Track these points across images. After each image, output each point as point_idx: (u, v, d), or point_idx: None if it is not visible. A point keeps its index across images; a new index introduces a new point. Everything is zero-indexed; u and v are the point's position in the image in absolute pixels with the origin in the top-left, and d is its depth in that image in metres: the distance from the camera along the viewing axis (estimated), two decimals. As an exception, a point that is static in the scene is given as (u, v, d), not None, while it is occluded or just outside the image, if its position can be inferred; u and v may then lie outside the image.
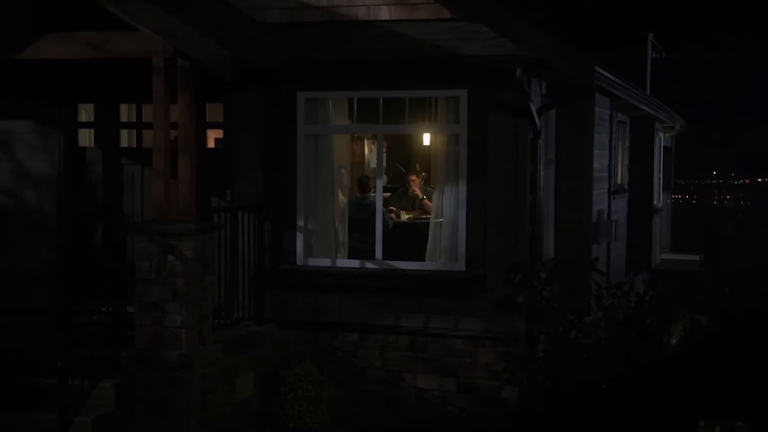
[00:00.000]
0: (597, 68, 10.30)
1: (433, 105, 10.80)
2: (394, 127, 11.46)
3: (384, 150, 11.56)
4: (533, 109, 10.04)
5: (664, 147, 21.21)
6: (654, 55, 22.84)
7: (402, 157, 16.28)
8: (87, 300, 9.05)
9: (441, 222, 10.76)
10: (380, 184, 10.85)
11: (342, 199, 11.63)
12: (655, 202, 18.44)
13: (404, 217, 13.29)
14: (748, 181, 61.47)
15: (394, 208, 13.33)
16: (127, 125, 11.68)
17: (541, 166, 10.57)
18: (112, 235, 11.20)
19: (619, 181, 15.40)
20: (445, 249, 10.60)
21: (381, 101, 10.59)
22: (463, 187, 10.33)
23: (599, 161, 12.79)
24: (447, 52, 10.10)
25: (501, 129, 10.18)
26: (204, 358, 9.19)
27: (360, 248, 11.05)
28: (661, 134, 19.98)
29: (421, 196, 13.61)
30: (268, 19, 10.98)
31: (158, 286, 9.06)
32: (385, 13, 10.76)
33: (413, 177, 13.87)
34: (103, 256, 11.14)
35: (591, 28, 19.47)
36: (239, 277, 10.30)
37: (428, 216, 11.79)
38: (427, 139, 13.65)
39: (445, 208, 10.62)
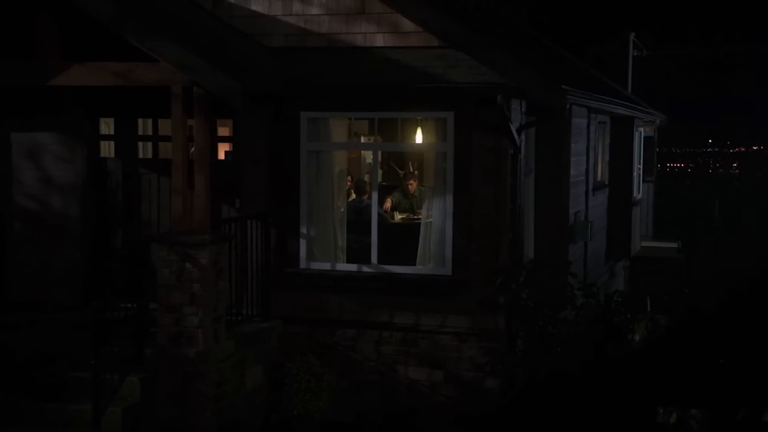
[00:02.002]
0: (569, 95, 11.08)
1: (424, 124, 11.60)
2: (388, 145, 12.43)
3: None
4: (513, 129, 10.85)
5: (646, 138, 21.79)
6: (635, 53, 23.49)
7: (396, 155, 16.87)
8: (112, 299, 9.85)
9: (430, 222, 11.46)
10: (375, 195, 11.59)
11: (341, 203, 12.34)
12: (634, 194, 18.93)
13: (397, 217, 13.82)
14: (743, 149, 60.98)
15: (388, 205, 13.90)
16: (144, 138, 12.46)
17: (522, 177, 11.35)
18: (131, 239, 11.89)
19: (599, 178, 15.96)
20: (433, 254, 11.37)
21: (376, 121, 11.42)
22: (449, 199, 11.11)
23: (576, 168, 13.50)
24: (435, 78, 10.90)
25: (484, 146, 10.97)
26: (218, 354, 9.97)
27: (357, 248, 11.75)
28: (641, 129, 20.61)
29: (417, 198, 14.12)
30: (274, 44, 11.77)
31: (177, 290, 9.82)
32: (379, 41, 11.53)
33: (411, 181, 14.40)
34: (122, 258, 11.78)
35: (575, 29, 20.25)
36: (248, 278, 11.06)
37: (419, 217, 12.48)
38: (419, 138, 14.33)
39: (434, 216, 11.38)
